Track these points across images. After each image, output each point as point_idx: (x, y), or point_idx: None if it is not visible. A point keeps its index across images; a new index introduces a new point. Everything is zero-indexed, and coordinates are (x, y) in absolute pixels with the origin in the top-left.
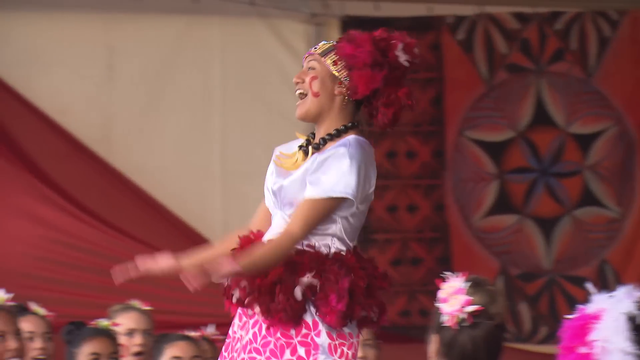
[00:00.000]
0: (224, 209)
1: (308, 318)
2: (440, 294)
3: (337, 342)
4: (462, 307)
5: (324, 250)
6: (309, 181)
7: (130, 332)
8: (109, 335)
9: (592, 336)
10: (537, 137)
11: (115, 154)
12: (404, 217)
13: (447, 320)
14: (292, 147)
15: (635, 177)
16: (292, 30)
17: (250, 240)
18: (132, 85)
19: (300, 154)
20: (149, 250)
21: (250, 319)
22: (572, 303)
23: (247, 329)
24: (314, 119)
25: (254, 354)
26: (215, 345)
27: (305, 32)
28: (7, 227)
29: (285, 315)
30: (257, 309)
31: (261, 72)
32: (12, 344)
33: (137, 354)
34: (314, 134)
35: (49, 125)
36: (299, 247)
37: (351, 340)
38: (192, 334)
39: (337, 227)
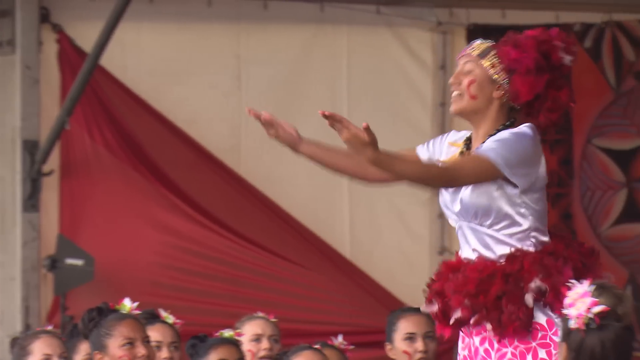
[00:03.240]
0: (351, 218)
1: (541, 320)
2: (566, 300)
3: None
4: (589, 308)
5: (532, 249)
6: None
7: (257, 338)
8: (234, 343)
9: None
10: None
11: (244, 164)
12: None
13: (574, 323)
14: (456, 138)
15: None
16: (418, 39)
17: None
18: (260, 94)
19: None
20: (276, 259)
21: (471, 337)
22: None
23: (470, 347)
24: (468, 116)
25: None
26: (345, 355)
27: (431, 41)
28: (137, 235)
29: (520, 324)
30: (487, 326)
31: (387, 81)
32: (141, 350)
33: (263, 358)
34: (469, 140)
35: (177, 135)
36: (509, 253)
37: None
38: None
39: (529, 221)
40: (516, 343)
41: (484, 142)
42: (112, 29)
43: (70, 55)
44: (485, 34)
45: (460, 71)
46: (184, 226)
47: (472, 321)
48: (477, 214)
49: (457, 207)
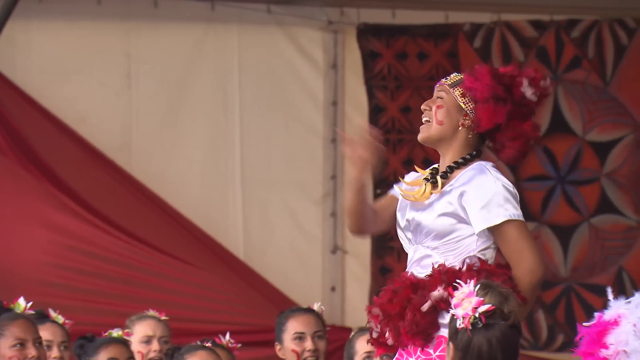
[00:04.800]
0: (244, 216)
1: (445, 333)
2: (453, 301)
3: None
4: (475, 308)
5: (457, 266)
6: (477, 214)
7: (147, 340)
8: (123, 342)
9: (609, 340)
10: (554, 145)
11: (135, 162)
12: None
13: (460, 323)
14: (414, 177)
15: None
16: (309, 38)
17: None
18: (151, 93)
19: (429, 185)
20: (167, 258)
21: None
22: (589, 311)
23: None
24: (434, 143)
25: None
26: (233, 354)
27: (322, 40)
28: (26, 235)
29: (410, 330)
30: (387, 334)
31: (279, 80)
32: (32, 351)
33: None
34: (436, 168)
35: (67, 134)
36: (431, 269)
37: None
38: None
39: (473, 249)
40: (419, 354)
41: (451, 167)
42: (0, 27)
43: None
44: (375, 33)
45: (432, 99)
46: (74, 225)
47: (379, 327)
48: (435, 235)
49: (415, 225)
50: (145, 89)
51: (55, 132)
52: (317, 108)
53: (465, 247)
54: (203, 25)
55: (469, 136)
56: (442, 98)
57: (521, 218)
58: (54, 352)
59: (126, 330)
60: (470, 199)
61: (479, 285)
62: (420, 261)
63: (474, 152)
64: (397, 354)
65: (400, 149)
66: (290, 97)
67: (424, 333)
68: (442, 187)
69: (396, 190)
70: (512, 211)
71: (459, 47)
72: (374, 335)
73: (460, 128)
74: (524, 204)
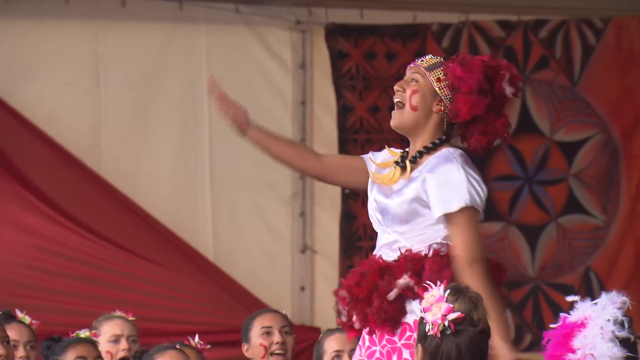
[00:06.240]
0: (213, 216)
1: (410, 320)
2: (423, 304)
3: None
4: (444, 315)
5: (423, 251)
6: (437, 200)
7: (116, 339)
8: (91, 342)
9: (577, 344)
10: (521, 145)
11: (103, 162)
12: None
13: (429, 329)
14: (384, 158)
15: (620, 185)
16: (278, 38)
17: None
18: (119, 92)
19: (398, 170)
20: (136, 259)
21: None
22: (557, 310)
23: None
24: (407, 131)
25: None
26: (202, 355)
27: (290, 39)
28: None
29: (379, 317)
30: (354, 317)
31: (247, 79)
32: (0, 350)
33: (122, 359)
34: (406, 151)
35: (35, 134)
36: (399, 253)
37: None
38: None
39: (441, 235)
40: (384, 342)
41: (420, 152)
42: None
43: None
44: (343, 33)
45: (406, 79)
46: (43, 226)
47: (346, 310)
48: (402, 220)
49: (382, 209)
50: (113, 88)
51: (23, 131)
52: (286, 108)
53: (431, 233)
54: (171, 25)
55: (441, 122)
56: (417, 81)
57: (478, 207)
58: (20, 352)
59: (94, 332)
60: (432, 185)
61: (449, 290)
62: (391, 245)
63: (444, 137)
64: (360, 341)
65: (368, 149)
66: (259, 96)
67: (392, 320)
68: (410, 173)
69: (368, 160)
70: (468, 199)
71: (427, 47)
72: (343, 319)
73: (433, 113)
74: (491, 204)
